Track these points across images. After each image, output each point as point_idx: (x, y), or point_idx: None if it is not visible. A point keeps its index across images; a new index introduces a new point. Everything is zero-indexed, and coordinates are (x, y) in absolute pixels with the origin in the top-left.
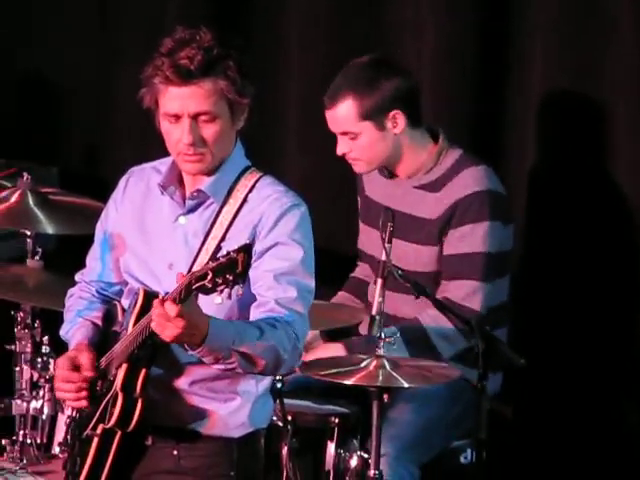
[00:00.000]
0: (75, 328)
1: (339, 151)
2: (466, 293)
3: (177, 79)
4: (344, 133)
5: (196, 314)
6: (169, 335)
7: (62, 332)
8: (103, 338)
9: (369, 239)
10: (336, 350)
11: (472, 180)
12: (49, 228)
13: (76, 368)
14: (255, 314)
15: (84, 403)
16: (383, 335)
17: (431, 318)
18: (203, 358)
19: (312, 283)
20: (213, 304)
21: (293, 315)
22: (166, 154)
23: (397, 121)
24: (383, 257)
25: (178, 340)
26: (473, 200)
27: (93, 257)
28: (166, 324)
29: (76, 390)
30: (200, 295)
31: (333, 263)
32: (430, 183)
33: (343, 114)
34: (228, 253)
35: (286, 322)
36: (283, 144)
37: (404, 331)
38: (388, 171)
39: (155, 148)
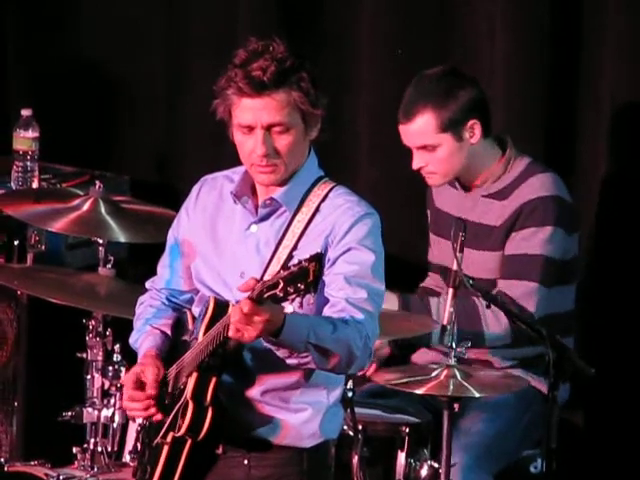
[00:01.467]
0: (143, 337)
1: (415, 165)
2: (522, 293)
3: (250, 90)
4: (422, 147)
5: (273, 309)
6: (249, 336)
7: (131, 340)
8: (173, 346)
9: (440, 250)
10: (390, 302)
11: (539, 185)
12: (121, 236)
13: (141, 385)
14: (327, 314)
15: (157, 418)
16: (454, 345)
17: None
18: (277, 351)
19: (382, 287)
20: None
21: (364, 315)
22: (238, 163)
23: (474, 131)
24: (454, 267)
25: (258, 337)
26: (538, 204)
27: (163, 264)
28: (245, 327)
29: (144, 408)
30: None
31: (402, 273)
32: (498, 191)
33: (421, 127)
34: (300, 262)
35: (357, 321)
36: (353, 155)
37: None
38: (460, 182)
39: (227, 158)
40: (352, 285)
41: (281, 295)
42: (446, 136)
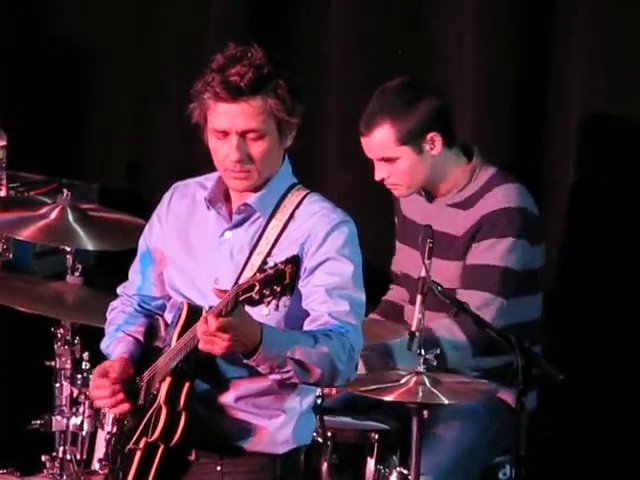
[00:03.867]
0: (115, 343)
1: (377, 177)
2: (480, 304)
3: (227, 95)
4: (382, 159)
5: (245, 323)
6: (218, 350)
7: (103, 346)
8: (145, 352)
9: (406, 258)
10: None
11: (502, 197)
12: (89, 244)
13: (106, 375)
14: (310, 328)
15: (125, 406)
16: (423, 352)
17: (445, 328)
18: (258, 367)
19: (363, 297)
20: (260, 316)
21: (347, 327)
22: (208, 171)
23: (435, 143)
24: (423, 273)
25: (229, 352)
26: (500, 215)
27: (134, 271)
28: (213, 339)
29: (110, 395)
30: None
31: (372, 281)
32: (463, 201)
33: (380, 140)
34: (275, 265)
35: (340, 333)
36: (323, 160)
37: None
38: (425, 192)
39: (196, 166)
40: (334, 297)
41: (257, 298)
42: (405, 149)
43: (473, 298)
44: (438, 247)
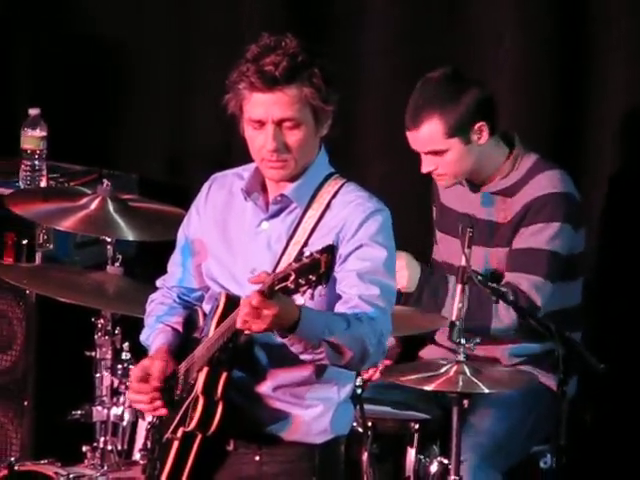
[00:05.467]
0: (155, 334)
1: (424, 169)
2: (529, 286)
3: (262, 85)
4: (430, 152)
5: (284, 302)
6: (257, 328)
7: (142, 337)
8: (183, 343)
9: (447, 247)
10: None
11: (547, 182)
12: (129, 235)
13: (146, 378)
14: (340, 310)
15: (162, 412)
16: (463, 341)
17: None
18: (292, 346)
19: (394, 284)
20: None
21: (377, 311)
22: (246, 162)
23: (482, 132)
24: (463, 262)
25: (268, 330)
26: (547, 201)
27: (174, 263)
28: (254, 316)
29: (148, 401)
30: None
31: None
32: (506, 188)
33: (429, 134)
34: (311, 254)
35: (370, 317)
36: (361, 151)
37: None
38: (468, 181)
39: (236, 156)
40: (365, 282)
41: (292, 287)
42: (454, 141)
43: (521, 281)
44: (481, 235)
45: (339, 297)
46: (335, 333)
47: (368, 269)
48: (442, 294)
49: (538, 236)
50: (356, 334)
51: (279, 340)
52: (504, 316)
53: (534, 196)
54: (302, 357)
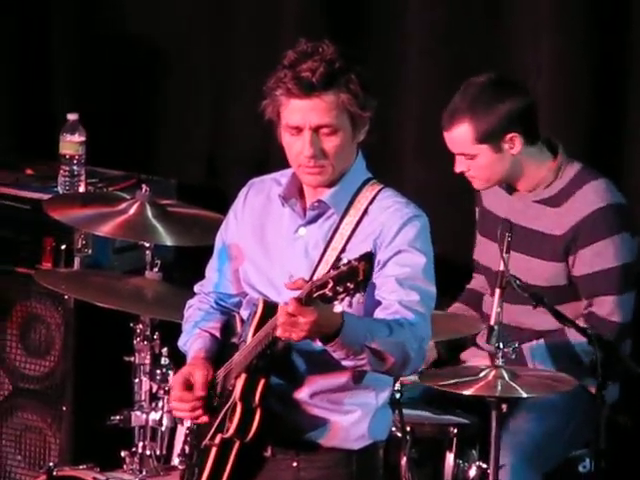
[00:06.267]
0: (192, 339)
1: (457, 169)
2: (611, 309)
3: (299, 91)
4: (461, 154)
5: (322, 310)
6: (296, 336)
7: (180, 343)
8: (221, 349)
9: (486, 251)
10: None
11: (595, 195)
12: (168, 240)
13: (190, 387)
14: (380, 316)
15: (203, 419)
16: (501, 346)
17: (573, 334)
18: (334, 353)
19: (434, 289)
20: None
21: (417, 317)
22: (285, 167)
23: (514, 143)
24: (501, 267)
25: (308, 338)
26: (598, 216)
27: (211, 268)
28: (293, 325)
29: (190, 410)
30: None
31: (450, 274)
32: (550, 198)
33: (459, 137)
34: (349, 261)
35: (411, 323)
36: (399, 156)
37: (549, 346)
38: (508, 186)
39: (274, 161)
40: (404, 288)
41: (330, 294)
42: (483, 147)
43: (603, 305)
44: (527, 243)
45: (378, 303)
46: (377, 339)
47: (407, 275)
48: None
49: (603, 255)
50: (398, 340)
51: (316, 346)
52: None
53: (585, 213)
54: (344, 363)
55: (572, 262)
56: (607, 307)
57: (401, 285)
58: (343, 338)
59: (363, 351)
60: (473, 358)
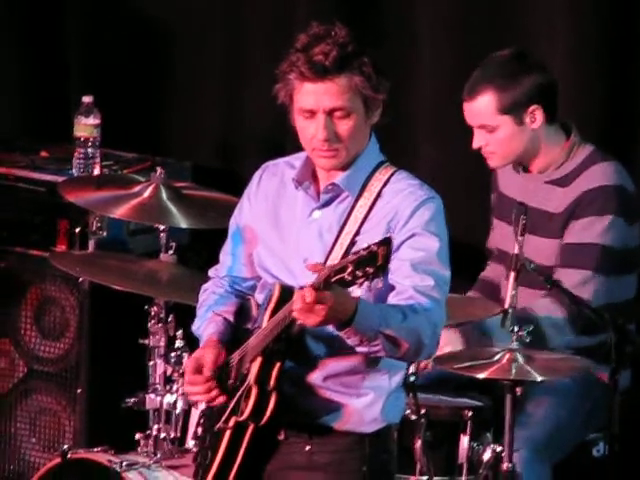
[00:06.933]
0: (206, 323)
1: (475, 144)
2: (577, 282)
3: (312, 75)
4: (481, 126)
5: (341, 295)
6: (313, 322)
7: (194, 327)
8: (235, 333)
9: (502, 234)
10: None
11: (601, 174)
12: (182, 222)
13: (200, 369)
14: (393, 301)
15: (220, 400)
16: (516, 329)
17: (544, 307)
18: (348, 339)
19: (448, 274)
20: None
21: (432, 303)
22: (299, 150)
23: (535, 116)
24: (516, 250)
25: (324, 324)
26: (599, 193)
27: (225, 251)
28: (310, 311)
29: (204, 392)
30: None
31: (465, 257)
32: (560, 178)
33: (482, 107)
34: (369, 246)
35: (425, 309)
36: (412, 139)
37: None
38: (522, 166)
39: (288, 144)
40: (419, 272)
41: (349, 279)
42: (506, 118)
43: (572, 276)
44: (535, 224)
45: (392, 287)
46: (391, 325)
47: (422, 259)
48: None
49: (589, 230)
50: (412, 326)
51: (330, 330)
52: (554, 311)
53: (586, 188)
54: (358, 350)
55: (564, 233)
56: (573, 280)
57: (415, 270)
58: (357, 324)
59: (377, 337)
60: (445, 346)
